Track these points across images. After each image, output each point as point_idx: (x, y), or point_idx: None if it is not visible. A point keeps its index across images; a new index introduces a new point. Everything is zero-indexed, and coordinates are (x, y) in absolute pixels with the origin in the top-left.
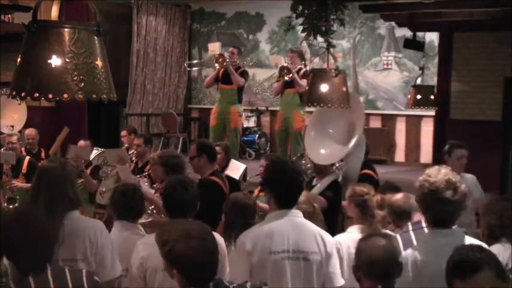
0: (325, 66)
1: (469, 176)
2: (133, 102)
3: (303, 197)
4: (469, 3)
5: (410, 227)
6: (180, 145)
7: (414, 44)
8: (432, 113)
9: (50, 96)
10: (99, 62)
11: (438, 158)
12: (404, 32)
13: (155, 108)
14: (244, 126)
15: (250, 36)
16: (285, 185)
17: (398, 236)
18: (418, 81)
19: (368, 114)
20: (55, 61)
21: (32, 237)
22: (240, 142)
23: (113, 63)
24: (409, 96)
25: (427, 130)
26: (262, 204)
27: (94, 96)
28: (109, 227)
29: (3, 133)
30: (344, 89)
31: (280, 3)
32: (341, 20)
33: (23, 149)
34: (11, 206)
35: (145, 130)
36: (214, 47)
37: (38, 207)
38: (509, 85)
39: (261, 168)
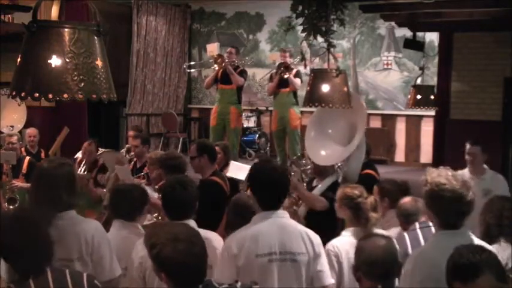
0: (325, 66)
1: (496, 176)
2: (133, 102)
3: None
4: (469, 3)
5: (417, 226)
6: (180, 145)
7: (414, 44)
8: (432, 113)
9: (50, 96)
10: (99, 62)
11: (438, 158)
12: (404, 32)
13: (155, 108)
14: (244, 126)
15: (250, 36)
16: (268, 186)
17: (405, 234)
18: (418, 81)
19: (368, 114)
20: (55, 61)
21: (31, 239)
22: (240, 142)
23: (113, 63)
24: (409, 96)
25: (427, 130)
26: None
27: (94, 96)
28: (109, 227)
29: (2, 133)
30: (345, 89)
31: (280, 3)
32: (341, 20)
33: (22, 148)
34: (11, 206)
35: (145, 130)
36: (213, 48)
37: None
38: (509, 85)
39: None
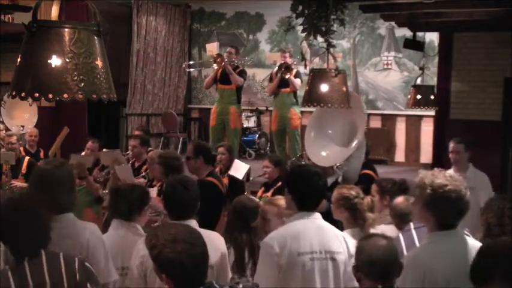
0: (325, 66)
1: (479, 173)
2: (134, 102)
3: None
4: (469, 3)
5: (412, 226)
6: (180, 145)
7: (414, 44)
8: (432, 113)
9: (50, 96)
10: (99, 62)
11: (438, 158)
12: (404, 32)
13: (155, 108)
14: (244, 126)
15: (250, 36)
16: (306, 188)
17: (400, 235)
18: (418, 81)
19: (368, 114)
20: (55, 61)
21: (27, 221)
22: (240, 142)
23: (113, 63)
24: (409, 96)
25: (427, 130)
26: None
27: (94, 96)
28: (109, 227)
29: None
30: (344, 89)
31: (280, 3)
32: (341, 20)
33: (21, 148)
34: None
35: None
36: (212, 48)
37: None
38: (509, 85)
39: (264, 169)
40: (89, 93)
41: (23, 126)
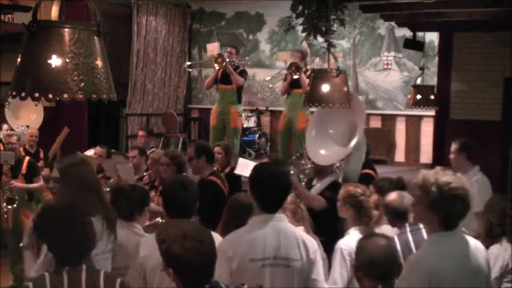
0: (325, 66)
1: (480, 177)
2: (134, 102)
3: (289, 198)
4: (469, 3)
5: (408, 229)
6: (180, 145)
7: (414, 44)
8: (432, 113)
9: (50, 96)
10: (99, 62)
11: (438, 158)
12: (404, 32)
13: (155, 108)
14: (244, 126)
15: (250, 36)
16: (267, 188)
17: (396, 238)
18: (418, 81)
19: (368, 114)
20: (55, 61)
21: (78, 231)
22: (240, 142)
23: (113, 63)
24: (409, 96)
25: (427, 130)
26: None
27: (94, 96)
28: None
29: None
30: (345, 89)
31: (280, 3)
32: (341, 20)
33: (21, 148)
34: (9, 206)
35: None
36: (213, 47)
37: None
38: (509, 85)
39: None
40: (89, 93)
41: (27, 126)
